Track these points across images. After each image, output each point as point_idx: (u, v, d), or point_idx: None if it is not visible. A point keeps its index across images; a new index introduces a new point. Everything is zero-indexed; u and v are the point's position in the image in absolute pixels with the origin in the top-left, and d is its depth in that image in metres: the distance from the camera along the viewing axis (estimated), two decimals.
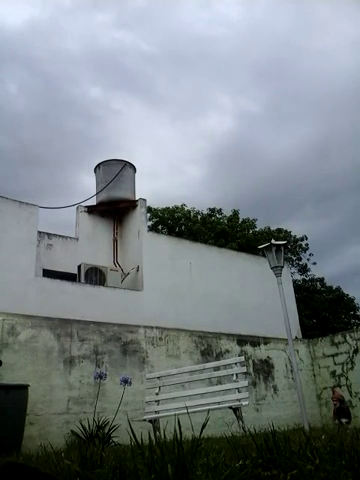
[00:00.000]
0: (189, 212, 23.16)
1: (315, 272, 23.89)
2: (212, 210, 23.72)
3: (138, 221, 11.39)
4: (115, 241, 11.87)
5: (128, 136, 49.66)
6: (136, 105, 48.30)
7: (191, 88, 44.56)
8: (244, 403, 5.23)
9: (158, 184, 43.59)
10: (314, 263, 23.62)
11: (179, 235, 20.37)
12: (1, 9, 37.67)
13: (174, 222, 22.46)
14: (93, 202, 12.08)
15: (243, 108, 43.64)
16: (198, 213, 23.46)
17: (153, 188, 39.89)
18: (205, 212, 23.64)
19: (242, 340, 8.89)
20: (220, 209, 23.79)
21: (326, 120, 43.73)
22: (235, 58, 42.16)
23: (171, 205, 23.04)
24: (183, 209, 22.99)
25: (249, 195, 38.08)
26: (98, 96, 46.03)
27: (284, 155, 41.76)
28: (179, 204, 23.19)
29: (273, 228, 23.16)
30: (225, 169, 46.02)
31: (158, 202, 23.14)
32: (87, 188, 12.70)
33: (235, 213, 23.18)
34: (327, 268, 37.40)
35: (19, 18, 43.53)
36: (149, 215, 21.82)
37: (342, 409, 7.82)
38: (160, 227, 22.54)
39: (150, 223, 22.06)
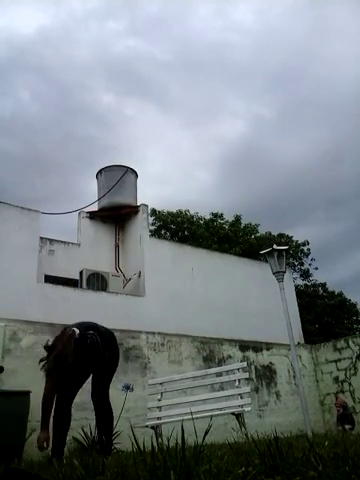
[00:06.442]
0: (192, 217, 23.15)
1: (317, 277, 23.87)
2: (214, 215, 23.70)
3: (140, 227, 11.39)
4: (117, 247, 11.87)
5: (140, 142, 49.65)
6: (149, 111, 48.35)
7: (204, 94, 44.56)
8: (246, 409, 5.20)
9: (169, 189, 43.61)
10: (316, 268, 23.59)
11: (182, 240, 20.34)
12: (14, 18, 37.94)
13: (177, 226, 22.44)
14: (95, 208, 12.10)
15: (256, 114, 43.48)
16: (200, 218, 23.45)
17: (164, 193, 39.80)
18: (207, 217, 23.63)
19: (244, 346, 8.86)
20: (222, 214, 23.79)
21: (338, 126, 43.68)
22: (249, 65, 42.19)
23: (176, 209, 23.03)
24: (186, 214, 22.98)
25: (260, 200, 37.96)
26: (111, 102, 46.20)
27: (296, 160, 41.62)
28: (184, 209, 23.19)
29: (275, 233, 23.15)
30: (236, 174, 46.00)
31: (168, 207, 23.16)
32: (94, 194, 12.70)
33: (237, 218, 23.17)
34: (338, 273, 37.18)
35: (31, 27, 43.86)
36: (152, 219, 21.82)
37: (345, 415, 7.80)
38: (163, 231, 22.51)
39: (153, 227, 22.05)
